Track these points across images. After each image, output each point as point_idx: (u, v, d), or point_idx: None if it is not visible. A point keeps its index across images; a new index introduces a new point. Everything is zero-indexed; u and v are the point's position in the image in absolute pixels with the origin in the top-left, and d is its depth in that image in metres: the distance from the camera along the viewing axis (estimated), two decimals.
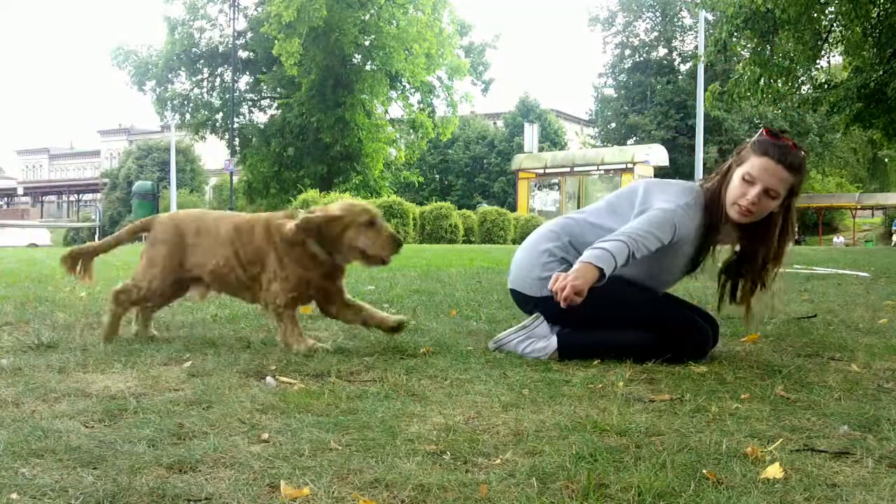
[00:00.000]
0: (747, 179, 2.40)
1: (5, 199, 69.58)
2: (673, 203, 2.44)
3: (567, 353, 2.51)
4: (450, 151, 45.43)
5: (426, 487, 1.33)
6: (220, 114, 32.04)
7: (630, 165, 25.26)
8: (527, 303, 2.67)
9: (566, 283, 2.21)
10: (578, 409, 1.88)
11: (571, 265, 2.34)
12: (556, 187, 28.43)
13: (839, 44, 13.32)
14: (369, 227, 2.54)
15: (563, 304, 2.21)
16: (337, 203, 2.61)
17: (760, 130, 2.48)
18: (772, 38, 12.51)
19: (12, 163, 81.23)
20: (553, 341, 2.53)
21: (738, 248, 2.63)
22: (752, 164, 2.40)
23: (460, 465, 1.46)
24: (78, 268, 2.82)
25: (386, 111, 31.81)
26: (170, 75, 31.88)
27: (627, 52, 40.43)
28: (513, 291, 2.74)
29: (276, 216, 2.65)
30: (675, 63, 39.31)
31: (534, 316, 2.63)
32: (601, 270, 2.24)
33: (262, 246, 2.61)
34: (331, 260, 2.60)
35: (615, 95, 40.75)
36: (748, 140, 2.52)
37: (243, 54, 31.97)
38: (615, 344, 2.50)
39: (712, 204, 2.49)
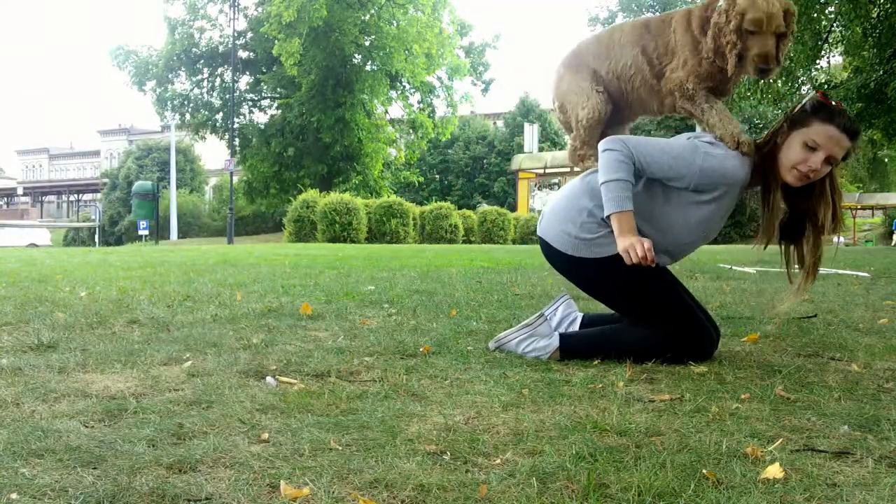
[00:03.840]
0: (810, 146, 2.38)
1: (5, 199, 69.62)
2: (725, 150, 2.44)
3: (568, 354, 2.51)
4: (450, 151, 45.42)
5: (426, 487, 1.33)
6: (220, 114, 32.07)
7: None
8: (552, 254, 2.60)
9: (637, 256, 2.34)
10: (578, 409, 1.88)
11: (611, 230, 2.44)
12: (557, 187, 28.45)
13: (839, 44, 13.34)
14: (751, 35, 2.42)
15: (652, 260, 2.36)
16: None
17: (815, 94, 2.46)
18: None
19: (12, 163, 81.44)
20: (555, 340, 2.53)
21: (787, 212, 2.59)
22: (816, 130, 2.37)
23: (460, 465, 1.46)
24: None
25: (386, 111, 31.84)
26: (170, 75, 31.90)
27: None
28: (541, 240, 2.65)
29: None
30: None
31: (537, 315, 2.63)
32: (630, 210, 2.37)
33: None
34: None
35: None
36: (801, 103, 2.49)
37: (243, 54, 31.99)
38: (617, 346, 2.49)
39: (764, 165, 2.47)
